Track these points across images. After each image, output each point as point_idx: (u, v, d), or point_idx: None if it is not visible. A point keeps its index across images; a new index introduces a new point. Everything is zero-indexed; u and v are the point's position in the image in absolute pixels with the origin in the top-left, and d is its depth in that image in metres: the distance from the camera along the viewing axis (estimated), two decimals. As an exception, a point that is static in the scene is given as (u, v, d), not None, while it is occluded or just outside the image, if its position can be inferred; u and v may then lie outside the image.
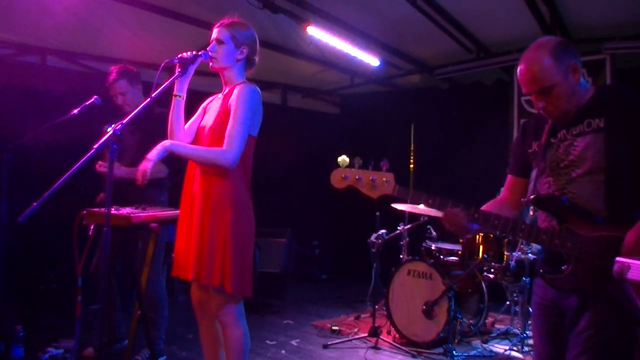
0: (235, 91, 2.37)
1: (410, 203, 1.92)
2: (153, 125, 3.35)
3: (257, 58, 2.52)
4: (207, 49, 2.38)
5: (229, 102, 2.36)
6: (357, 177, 1.92)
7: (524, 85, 1.82)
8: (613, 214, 1.70)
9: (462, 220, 1.81)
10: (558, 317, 1.82)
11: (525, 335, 3.95)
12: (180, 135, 2.42)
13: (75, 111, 3.10)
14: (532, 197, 1.85)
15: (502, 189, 2.07)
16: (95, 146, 1.98)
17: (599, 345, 1.69)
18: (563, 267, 1.76)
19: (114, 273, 3.55)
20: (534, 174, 1.89)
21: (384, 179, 1.89)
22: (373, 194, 1.91)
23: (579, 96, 1.78)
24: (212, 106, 2.52)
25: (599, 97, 1.79)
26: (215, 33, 2.41)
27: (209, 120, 2.45)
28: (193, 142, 2.48)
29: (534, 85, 1.77)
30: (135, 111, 2.11)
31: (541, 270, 1.86)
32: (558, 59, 1.74)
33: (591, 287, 1.71)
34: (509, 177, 2.06)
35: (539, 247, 4.45)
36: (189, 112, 2.47)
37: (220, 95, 2.51)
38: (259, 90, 2.42)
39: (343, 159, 1.94)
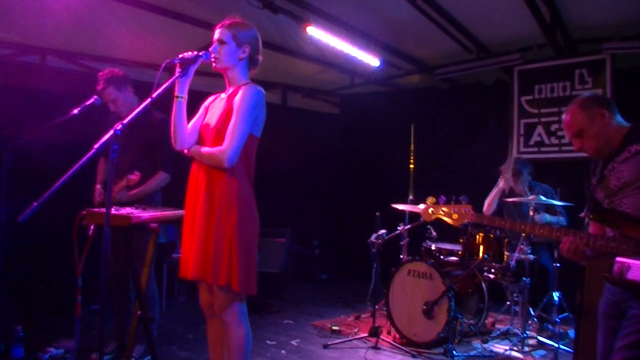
0: (240, 92, 2.37)
1: (488, 224, 2.39)
2: (153, 132, 3.36)
3: (260, 57, 2.52)
4: (209, 49, 2.38)
5: (233, 102, 2.36)
6: (442, 211, 2.43)
7: (565, 132, 2.28)
8: None
9: (582, 247, 2.09)
10: (617, 312, 2.06)
11: (525, 335, 3.95)
12: (184, 136, 2.41)
13: (75, 111, 3.11)
14: (587, 213, 2.18)
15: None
16: (95, 146, 1.98)
17: None
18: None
19: (123, 275, 3.53)
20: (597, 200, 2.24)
21: (464, 210, 2.39)
22: (456, 223, 2.41)
23: (610, 135, 2.15)
24: (215, 105, 2.52)
25: (634, 128, 2.15)
26: (216, 34, 2.41)
27: (212, 119, 2.44)
28: (196, 142, 2.48)
29: (568, 131, 2.23)
30: (136, 111, 2.11)
31: (605, 274, 2.06)
32: (584, 109, 2.17)
33: None
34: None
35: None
36: (190, 112, 2.46)
37: (223, 95, 2.50)
38: (264, 91, 2.42)
39: (431, 198, 2.45)
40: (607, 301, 2.13)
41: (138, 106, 2.15)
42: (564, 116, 2.26)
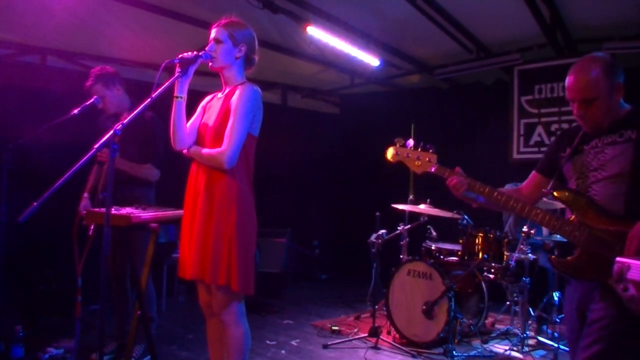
0: (237, 92, 2.37)
1: (447, 178, 2.16)
2: (144, 130, 3.36)
3: (256, 57, 2.52)
4: (206, 49, 2.38)
5: (230, 102, 2.37)
6: (406, 155, 2.26)
7: (569, 91, 1.96)
8: (628, 214, 1.83)
9: (463, 187, 2.09)
10: (579, 319, 1.93)
11: (525, 335, 3.95)
12: (183, 136, 2.42)
13: (75, 111, 3.11)
14: (551, 190, 2.03)
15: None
16: (95, 146, 1.98)
17: (613, 335, 1.76)
18: (573, 252, 1.92)
19: (123, 275, 3.53)
20: (563, 172, 2.09)
21: (427, 158, 2.21)
22: (417, 170, 2.24)
23: (615, 113, 1.94)
24: (212, 105, 2.52)
25: (635, 112, 1.96)
26: (213, 33, 2.42)
27: (210, 119, 2.45)
28: (195, 142, 2.48)
29: (580, 93, 1.91)
30: (137, 110, 2.11)
31: (552, 256, 2.01)
32: (608, 76, 1.90)
33: (592, 274, 1.85)
34: (534, 173, 2.24)
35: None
36: (189, 112, 2.46)
37: (220, 94, 2.50)
38: (260, 90, 2.43)
39: (399, 139, 2.27)
40: (571, 310, 1.98)
41: (137, 106, 2.15)
42: (574, 77, 1.93)
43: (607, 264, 1.74)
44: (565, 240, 3.62)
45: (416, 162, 2.23)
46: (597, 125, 1.94)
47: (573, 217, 1.93)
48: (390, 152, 2.29)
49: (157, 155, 3.44)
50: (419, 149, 2.23)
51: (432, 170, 2.19)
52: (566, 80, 1.97)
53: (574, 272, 1.92)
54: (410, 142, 2.26)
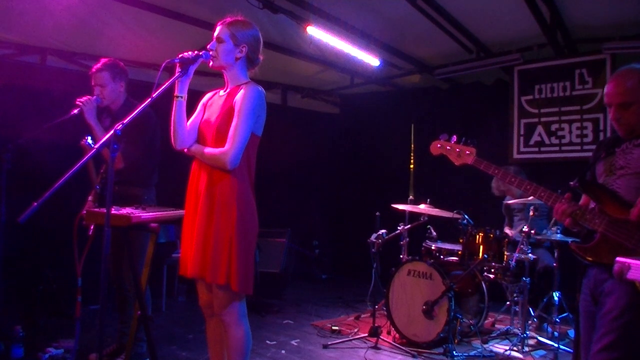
0: (241, 92, 2.37)
1: (484, 170, 2.33)
2: (134, 124, 3.31)
3: (260, 57, 2.51)
4: (208, 46, 2.38)
5: (234, 101, 2.36)
6: (448, 147, 2.46)
7: (608, 96, 2.12)
8: None
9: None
10: (594, 307, 2.06)
11: (525, 335, 3.95)
12: (184, 135, 2.41)
13: (75, 111, 3.11)
14: (576, 182, 2.16)
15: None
16: (95, 146, 1.98)
17: (623, 326, 1.89)
18: (594, 237, 2.05)
19: (123, 276, 3.51)
20: (596, 171, 2.25)
21: (467, 152, 2.40)
22: (457, 162, 2.43)
23: None
24: (213, 103, 2.51)
25: None
26: (216, 31, 2.42)
27: (212, 117, 2.43)
28: (197, 140, 2.48)
29: (617, 98, 2.08)
30: (137, 110, 2.11)
31: (572, 243, 2.13)
32: None
33: (609, 259, 1.93)
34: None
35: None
36: (188, 112, 2.46)
37: (222, 92, 2.49)
38: (264, 90, 2.42)
39: (444, 135, 2.49)
40: (586, 297, 2.13)
41: (135, 105, 2.15)
42: (613, 83, 2.09)
43: (623, 251, 1.88)
44: (565, 240, 3.66)
45: (457, 154, 2.42)
46: (632, 128, 2.08)
47: (594, 206, 2.07)
48: (433, 146, 2.50)
49: (133, 150, 3.23)
50: (461, 143, 2.42)
51: (470, 162, 2.38)
52: (605, 88, 2.14)
53: (592, 256, 2.05)
54: (454, 137, 2.47)
